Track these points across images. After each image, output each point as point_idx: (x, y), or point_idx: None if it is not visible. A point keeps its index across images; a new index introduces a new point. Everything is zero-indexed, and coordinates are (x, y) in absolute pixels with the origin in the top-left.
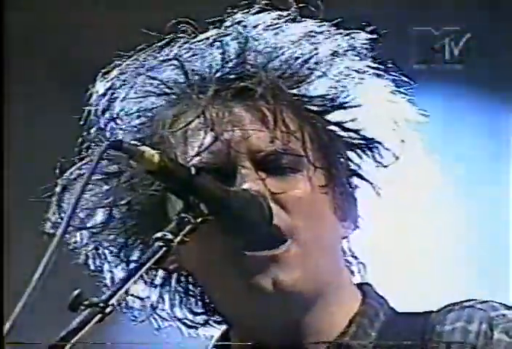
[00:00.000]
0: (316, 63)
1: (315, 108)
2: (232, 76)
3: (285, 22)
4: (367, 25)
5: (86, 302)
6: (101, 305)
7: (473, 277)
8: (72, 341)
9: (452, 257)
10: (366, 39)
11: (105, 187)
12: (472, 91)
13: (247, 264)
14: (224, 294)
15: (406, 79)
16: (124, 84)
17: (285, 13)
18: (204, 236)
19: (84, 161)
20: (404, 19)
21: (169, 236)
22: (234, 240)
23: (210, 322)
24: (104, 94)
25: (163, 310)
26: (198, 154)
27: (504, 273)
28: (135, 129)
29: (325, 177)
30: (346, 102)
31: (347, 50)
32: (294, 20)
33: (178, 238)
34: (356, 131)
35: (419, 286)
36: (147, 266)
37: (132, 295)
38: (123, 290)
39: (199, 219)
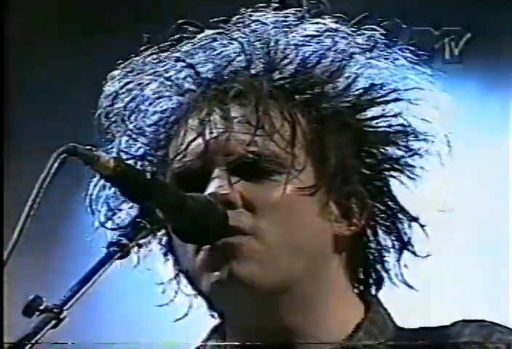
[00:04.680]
0: (340, 60)
1: (348, 105)
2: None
3: (300, 19)
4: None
5: (41, 308)
6: (56, 310)
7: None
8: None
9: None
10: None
11: None
12: (472, 91)
13: (205, 257)
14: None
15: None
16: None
17: (294, 11)
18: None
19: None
20: (403, 19)
21: (124, 241)
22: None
23: None
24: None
25: None
26: (177, 155)
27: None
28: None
29: (316, 177)
30: (382, 96)
31: (370, 46)
32: (305, 18)
33: (133, 243)
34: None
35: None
36: (101, 272)
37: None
38: (77, 296)
39: (155, 225)
